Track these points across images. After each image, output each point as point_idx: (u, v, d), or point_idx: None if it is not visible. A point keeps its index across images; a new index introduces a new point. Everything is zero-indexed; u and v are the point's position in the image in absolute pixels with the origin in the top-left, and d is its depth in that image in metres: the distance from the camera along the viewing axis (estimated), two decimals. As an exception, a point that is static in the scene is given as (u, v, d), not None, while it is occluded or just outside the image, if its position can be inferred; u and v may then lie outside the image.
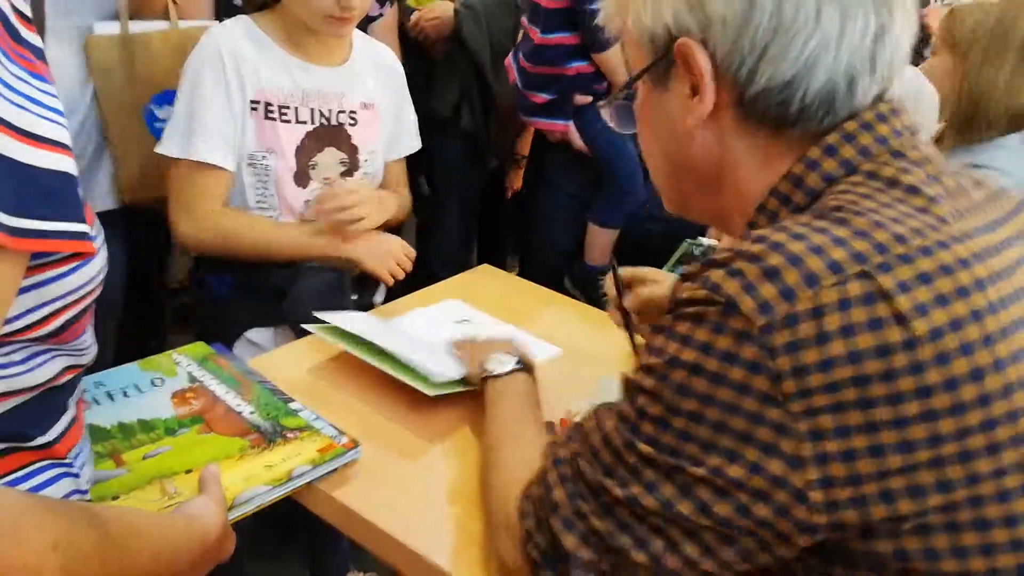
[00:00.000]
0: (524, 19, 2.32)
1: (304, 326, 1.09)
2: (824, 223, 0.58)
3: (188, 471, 0.78)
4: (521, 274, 1.98)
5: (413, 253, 1.39)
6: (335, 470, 0.86)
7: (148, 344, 2.44)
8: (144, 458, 0.80)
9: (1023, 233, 0.65)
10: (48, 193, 0.48)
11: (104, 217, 1.69)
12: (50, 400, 0.60)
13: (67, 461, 0.61)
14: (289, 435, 0.86)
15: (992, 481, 0.55)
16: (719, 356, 0.56)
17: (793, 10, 0.61)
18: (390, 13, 2.22)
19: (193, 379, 0.95)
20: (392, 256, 1.36)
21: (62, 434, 0.60)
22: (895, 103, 0.65)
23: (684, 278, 0.61)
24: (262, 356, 1.14)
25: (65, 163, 0.50)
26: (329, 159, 1.34)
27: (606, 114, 0.79)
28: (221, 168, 1.27)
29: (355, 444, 0.87)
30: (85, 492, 0.64)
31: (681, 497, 0.58)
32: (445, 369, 0.99)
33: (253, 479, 0.79)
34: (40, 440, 0.58)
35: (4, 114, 0.47)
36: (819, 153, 0.62)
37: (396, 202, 1.44)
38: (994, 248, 0.60)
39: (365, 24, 2.08)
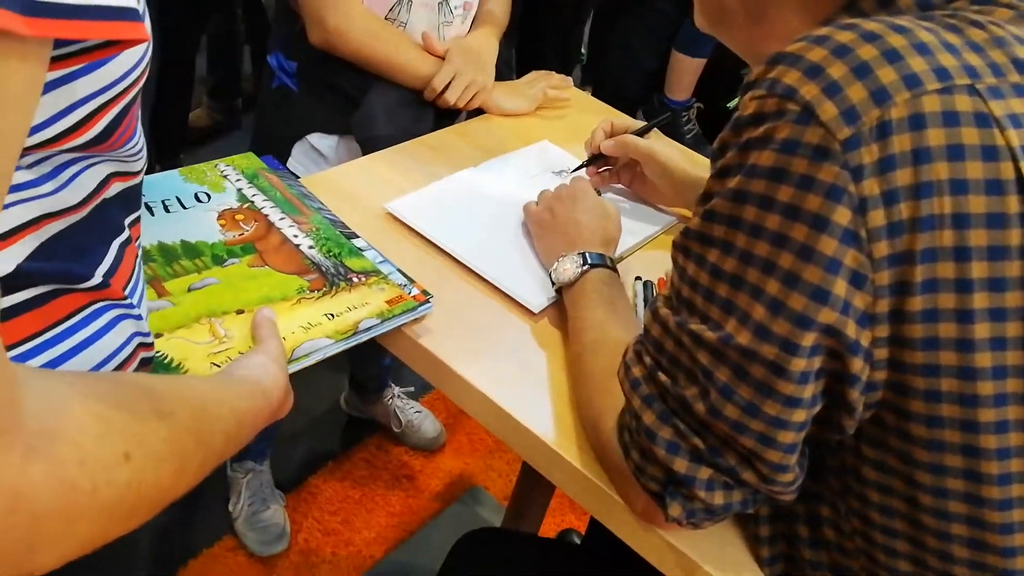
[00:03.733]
0: None
1: (386, 206, 0.92)
2: (932, 24, 0.45)
3: (240, 311, 0.66)
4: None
5: None
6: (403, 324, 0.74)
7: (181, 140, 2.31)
8: (189, 289, 0.68)
9: None
10: None
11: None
12: (98, 221, 0.46)
13: (126, 300, 0.48)
14: (353, 279, 0.74)
15: None
16: (794, 182, 0.44)
17: None
18: None
19: (243, 198, 0.80)
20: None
21: (114, 266, 0.47)
22: None
23: (746, 87, 0.48)
24: (318, 175, 1.00)
25: None
26: None
27: None
28: None
29: (426, 298, 0.74)
30: (147, 335, 0.52)
31: (760, 396, 0.49)
32: (544, 292, 0.83)
33: (314, 330, 0.67)
34: (93, 281, 0.45)
35: None
36: None
37: (496, 32, 1.23)
38: None
39: None
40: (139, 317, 0.50)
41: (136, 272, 0.50)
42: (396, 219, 0.91)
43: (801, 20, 0.55)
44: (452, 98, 1.13)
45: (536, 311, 0.82)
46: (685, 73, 2.43)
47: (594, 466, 0.67)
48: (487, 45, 1.20)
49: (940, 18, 0.48)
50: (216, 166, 0.84)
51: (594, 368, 0.68)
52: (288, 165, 1.19)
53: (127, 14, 0.34)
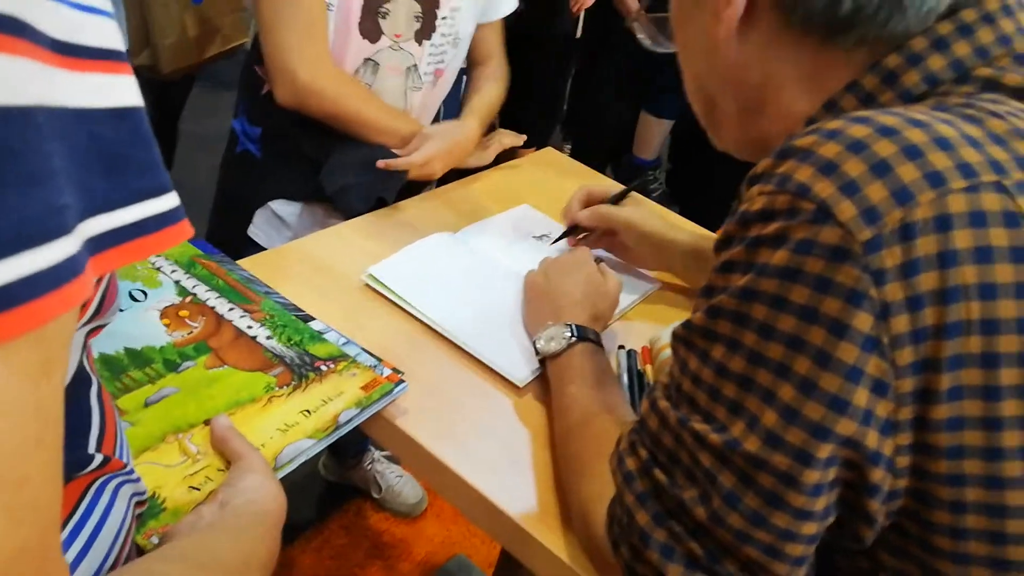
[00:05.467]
0: None
1: (364, 276, 0.89)
2: (949, 116, 0.43)
3: (207, 422, 0.60)
4: (574, 155, 1.79)
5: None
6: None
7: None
8: (146, 404, 0.61)
9: None
10: (116, 159, 0.27)
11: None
12: (73, 387, 0.39)
13: (125, 468, 0.43)
14: (321, 367, 0.69)
15: None
16: (810, 283, 0.41)
17: None
18: None
19: (184, 290, 0.74)
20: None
21: (101, 429, 0.42)
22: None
23: (752, 179, 0.45)
24: (292, 244, 0.97)
25: (130, 90, 0.29)
26: (403, 9, 1.08)
27: (639, 30, 0.68)
28: None
29: (400, 376, 0.71)
30: (143, 493, 0.46)
31: (768, 507, 0.46)
32: (528, 364, 0.80)
33: (292, 431, 0.62)
34: (93, 463, 0.40)
35: (37, 20, 0.24)
36: (924, 45, 0.49)
37: (481, 119, 1.18)
38: None
39: None
40: (136, 479, 0.45)
41: (116, 419, 0.44)
42: (372, 290, 0.88)
43: (801, 95, 0.54)
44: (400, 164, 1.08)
45: (520, 385, 0.79)
46: (652, 133, 2.47)
47: (581, 558, 0.63)
48: (466, 132, 1.15)
49: (956, 108, 0.46)
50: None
51: (580, 451, 0.65)
52: (249, 232, 1.16)
53: (172, 218, 0.30)
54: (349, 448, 1.72)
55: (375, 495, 1.73)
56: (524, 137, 1.25)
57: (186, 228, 0.31)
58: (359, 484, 1.74)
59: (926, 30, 0.49)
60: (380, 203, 1.07)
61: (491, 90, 1.23)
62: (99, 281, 0.33)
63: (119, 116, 0.27)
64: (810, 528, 0.46)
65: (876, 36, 0.49)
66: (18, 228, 0.22)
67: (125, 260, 0.28)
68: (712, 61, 0.57)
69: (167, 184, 0.30)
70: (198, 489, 0.55)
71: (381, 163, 1.06)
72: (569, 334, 0.76)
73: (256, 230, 1.16)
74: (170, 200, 0.30)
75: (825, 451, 0.44)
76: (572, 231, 1.01)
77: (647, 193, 2.60)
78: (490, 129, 1.24)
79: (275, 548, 0.48)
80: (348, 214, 1.05)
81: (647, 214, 0.97)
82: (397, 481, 1.73)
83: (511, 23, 1.27)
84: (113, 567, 0.40)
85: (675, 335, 0.52)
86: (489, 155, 1.19)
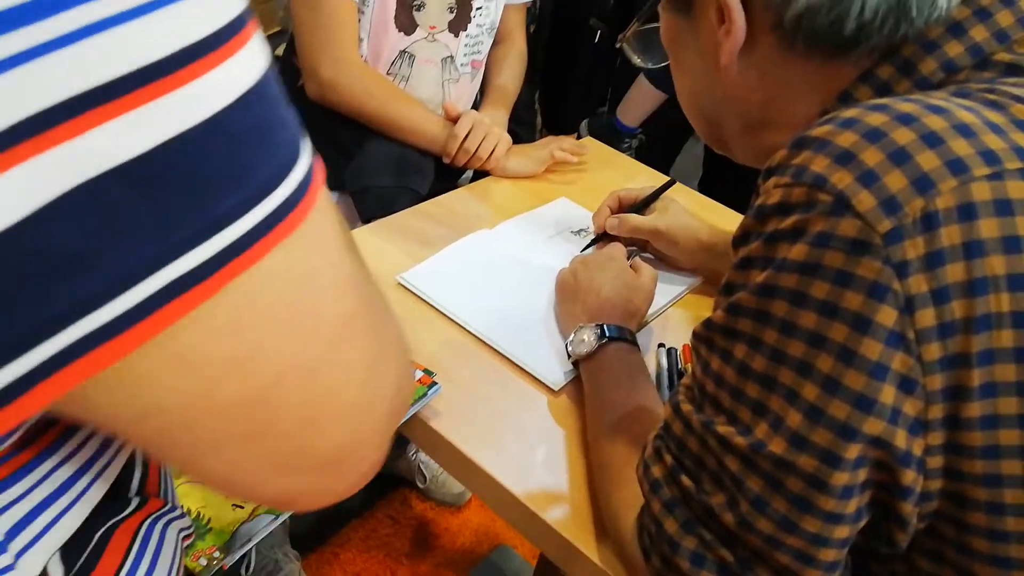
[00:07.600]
0: None
1: (398, 277, 0.88)
2: (969, 102, 0.41)
3: None
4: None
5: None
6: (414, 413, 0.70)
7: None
8: None
9: None
10: (249, 135, 0.26)
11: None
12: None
13: (166, 506, 0.42)
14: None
15: None
16: (830, 277, 0.40)
17: None
18: None
19: None
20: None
21: (144, 470, 0.40)
22: None
23: (768, 172, 0.44)
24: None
25: (258, 56, 0.27)
26: (436, 1, 1.08)
27: (628, 48, 0.67)
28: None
29: (432, 379, 0.70)
30: (190, 527, 0.45)
31: (798, 511, 0.44)
32: (563, 366, 0.79)
33: None
34: (131, 505, 0.38)
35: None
36: (940, 32, 0.48)
37: (507, 111, 1.20)
38: None
39: None
40: (182, 515, 0.43)
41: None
42: (406, 289, 0.87)
43: (811, 103, 0.53)
44: (472, 145, 1.09)
45: (556, 388, 0.78)
46: (642, 102, 2.34)
47: (616, 563, 0.62)
48: (499, 120, 1.17)
49: (978, 94, 0.44)
50: None
51: (611, 457, 0.63)
52: None
53: (304, 188, 0.29)
54: (393, 438, 1.73)
55: (420, 485, 1.74)
56: (584, 150, 1.19)
57: (316, 192, 0.29)
58: (404, 474, 1.76)
59: (921, 39, 0.48)
60: (416, 198, 1.06)
61: (511, 73, 1.23)
62: None
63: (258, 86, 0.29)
64: (842, 532, 0.45)
65: (886, 44, 0.48)
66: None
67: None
68: (710, 84, 0.56)
69: (298, 143, 0.30)
70: (242, 507, 0.55)
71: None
72: (600, 334, 0.74)
73: None
74: (304, 165, 0.29)
75: (853, 451, 0.42)
76: (601, 239, 0.99)
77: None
78: (529, 129, 1.22)
79: None
80: (365, 216, 1.06)
81: (674, 220, 0.94)
82: (441, 471, 1.74)
83: (553, 10, 1.26)
84: None
85: (695, 334, 0.51)
86: (538, 167, 1.15)
